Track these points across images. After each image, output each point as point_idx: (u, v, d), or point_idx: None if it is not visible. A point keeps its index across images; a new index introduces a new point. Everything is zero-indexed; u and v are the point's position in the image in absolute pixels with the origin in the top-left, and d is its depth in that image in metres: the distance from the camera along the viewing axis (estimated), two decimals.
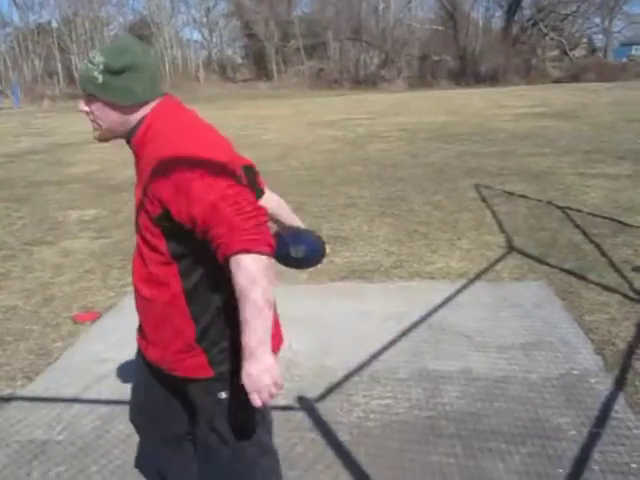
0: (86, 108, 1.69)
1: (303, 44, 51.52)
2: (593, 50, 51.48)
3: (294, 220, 2.18)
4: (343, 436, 2.81)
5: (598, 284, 4.47)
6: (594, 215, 6.32)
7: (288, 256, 2.05)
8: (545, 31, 46.53)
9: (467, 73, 42.81)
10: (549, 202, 6.98)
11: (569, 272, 4.74)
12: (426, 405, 3.03)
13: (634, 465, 2.49)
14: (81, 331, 4.18)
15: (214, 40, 59.69)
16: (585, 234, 5.67)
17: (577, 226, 5.95)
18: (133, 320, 1.93)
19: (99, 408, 3.17)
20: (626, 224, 5.94)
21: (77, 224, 7.16)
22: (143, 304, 1.79)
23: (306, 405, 3.08)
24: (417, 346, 3.66)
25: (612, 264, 4.86)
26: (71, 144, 15.64)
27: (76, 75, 52.94)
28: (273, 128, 17.56)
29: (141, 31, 54.14)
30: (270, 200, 2.09)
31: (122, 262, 5.49)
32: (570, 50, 46.57)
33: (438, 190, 8.00)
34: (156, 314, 1.76)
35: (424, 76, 44.73)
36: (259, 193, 1.99)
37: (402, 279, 4.86)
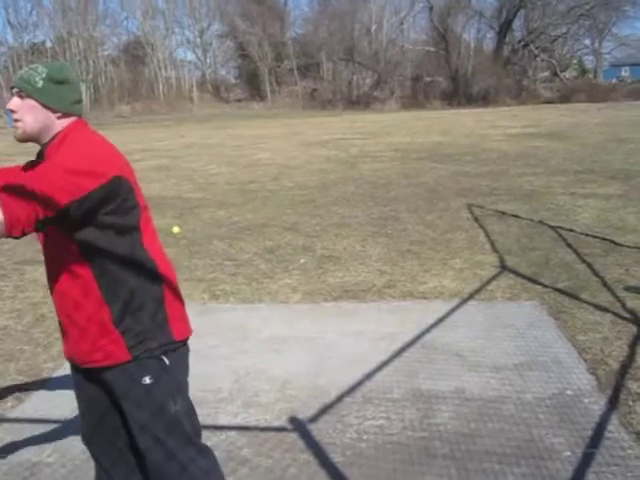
0: (14, 107, 1.81)
1: (296, 65, 51.93)
2: (583, 71, 52.10)
3: None
4: (336, 457, 2.79)
5: (590, 304, 4.48)
6: (586, 235, 6.36)
7: None
8: (536, 52, 47.05)
9: (459, 94, 43.20)
10: (541, 222, 7.01)
11: (562, 292, 4.75)
12: (419, 426, 3.01)
13: None
14: None
15: (208, 60, 60.04)
16: (577, 254, 5.69)
17: (569, 246, 5.97)
18: None
19: None
20: (617, 244, 5.97)
21: None
22: (59, 301, 1.90)
23: (299, 426, 3.06)
24: (410, 366, 3.65)
25: (604, 284, 4.88)
26: None
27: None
28: (267, 148, 17.62)
29: (135, 51, 54.51)
30: None
31: None
32: (561, 71, 47.06)
33: (431, 210, 8.03)
34: (71, 305, 1.86)
35: (416, 96, 45.11)
36: None
37: (395, 299, 4.86)
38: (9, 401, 3.52)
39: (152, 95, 53.76)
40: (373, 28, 50.87)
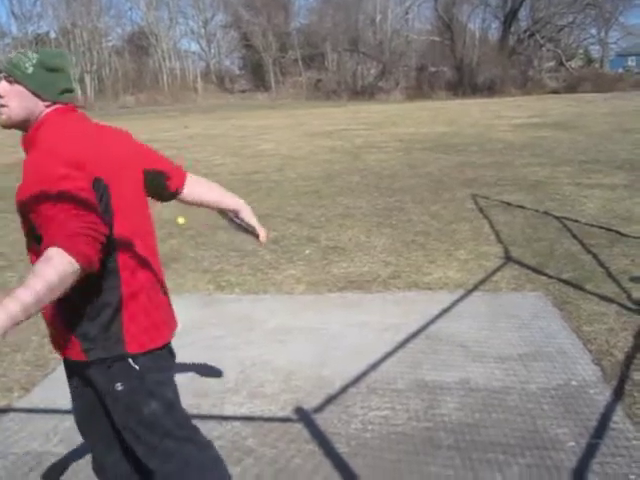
0: (1, 91, 1.75)
1: (301, 55, 51.78)
2: (589, 61, 51.81)
3: (228, 198, 2.23)
4: (341, 447, 2.80)
5: (596, 294, 4.47)
6: (591, 225, 6.34)
7: None
8: (541, 42, 46.78)
9: (464, 84, 43.00)
10: (546, 212, 6.99)
11: (567, 282, 4.74)
12: (424, 416, 3.02)
13: (633, 476, 2.48)
14: None
15: (212, 51, 59.94)
16: (582, 244, 5.68)
17: (574, 236, 5.96)
18: None
19: None
20: (623, 234, 5.95)
21: None
22: None
23: (304, 416, 3.07)
24: (415, 357, 3.66)
25: (610, 274, 4.87)
26: None
27: (75, 86, 53.12)
28: (271, 139, 17.60)
29: (139, 42, 54.41)
30: (197, 186, 2.18)
31: None
32: (567, 61, 46.80)
33: (436, 200, 8.02)
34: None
35: (421, 87, 44.89)
36: (170, 196, 2.13)
37: (400, 290, 4.86)
38: (16, 391, 3.55)
39: (156, 86, 53.70)
40: (378, 18, 50.61)
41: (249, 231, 2.20)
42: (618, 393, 3.13)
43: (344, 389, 3.32)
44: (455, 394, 3.21)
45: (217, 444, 2.86)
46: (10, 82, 1.75)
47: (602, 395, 3.11)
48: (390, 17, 50.99)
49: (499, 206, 7.47)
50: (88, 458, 2.75)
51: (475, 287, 4.79)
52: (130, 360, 1.83)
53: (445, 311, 4.31)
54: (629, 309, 4.19)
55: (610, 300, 4.35)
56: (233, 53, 61.50)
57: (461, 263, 5.39)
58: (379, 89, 46.06)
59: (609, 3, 45.63)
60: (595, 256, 5.32)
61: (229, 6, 55.82)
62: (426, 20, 53.40)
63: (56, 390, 3.49)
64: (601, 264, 5.11)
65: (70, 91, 1.86)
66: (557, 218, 6.70)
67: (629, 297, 4.39)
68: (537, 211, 7.09)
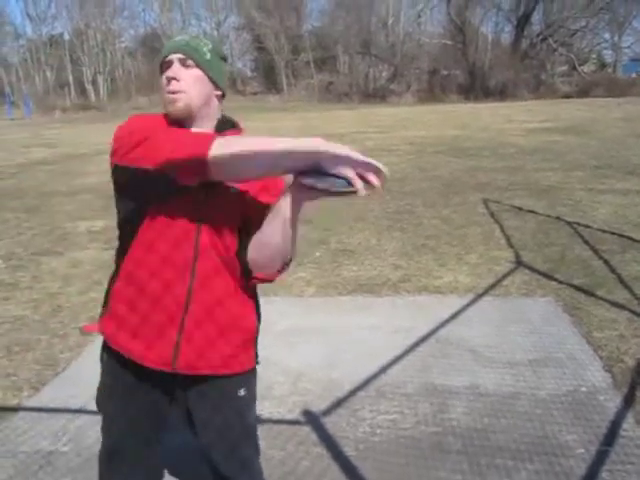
0: (178, 75, 1.59)
1: (313, 57, 51.79)
2: (602, 65, 51.49)
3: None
4: (349, 451, 2.80)
5: (607, 300, 4.45)
6: (603, 231, 6.30)
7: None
8: (554, 46, 46.56)
9: (476, 87, 42.86)
10: (558, 217, 6.96)
11: (577, 288, 4.72)
12: (433, 421, 3.01)
13: None
14: (89, 342, 4.19)
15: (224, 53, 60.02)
16: (594, 250, 5.65)
17: (586, 242, 5.93)
18: None
19: None
20: (635, 240, 5.91)
21: (86, 235, 7.20)
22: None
23: (312, 419, 3.07)
24: (424, 361, 3.65)
25: (621, 280, 4.84)
26: (82, 155, 15.74)
27: (88, 87, 53.42)
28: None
29: (152, 43, 54.62)
30: None
31: None
32: (579, 65, 46.54)
33: (447, 204, 8.00)
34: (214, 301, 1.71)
35: (433, 90, 44.79)
36: None
37: (410, 293, 4.86)
38: (26, 390, 3.57)
39: None
40: (390, 21, 50.57)
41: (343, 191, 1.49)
42: (629, 400, 3.11)
43: (353, 392, 3.32)
44: (464, 399, 3.20)
45: None
46: (187, 66, 1.60)
47: (612, 402, 3.10)
48: (402, 20, 50.94)
49: (510, 211, 7.44)
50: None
51: (485, 291, 4.77)
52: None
53: (455, 315, 4.30)
54: None
55: (621, 306, 4.32)
56: (245, 55, 61.64)
57: (471, 267, 5.37)
58: (391, 92, 46.01)
59: (623, 7, 45.36)
60: (607, 262, 5.29)
61: (242, 8, 55.94)
62: (438, 23, 53.32)
63: (66, 389, 3.51)
64: (613, 270, 5.08)
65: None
66: (569, 223, 6.66)
67: None
68: (549, 216, 7.06)
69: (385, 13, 50.73)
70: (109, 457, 1.89)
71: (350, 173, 1.45)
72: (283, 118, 28.57)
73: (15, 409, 3.36)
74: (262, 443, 2.85)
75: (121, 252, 1.74)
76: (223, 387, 1.77)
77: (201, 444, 1.83)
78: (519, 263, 5.40)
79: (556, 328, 4.02)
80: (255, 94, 52.68)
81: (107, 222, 7.77)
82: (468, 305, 4.50)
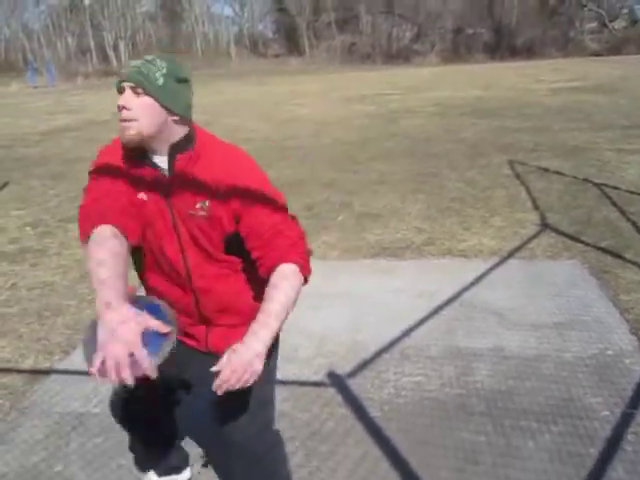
0: (128, 104, 1.60)
1: (335, 18, 51.02)
2: (633, 21, 49.91)
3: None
4: (374, 412, 2.83)
5: (634, 263, 4.39)
6: (631, 192, 6.19)
7: None
8: (583, 2, 45.25)
9: (502, 46, 41.99)
10: (585, 179, 6.85)
11: (604, 250, 4.66)
12: (457, 383, 3.03)
13: None
14: None
15: (245, 15, 59.48)
16: (622, 212, 5.56)
17: (614, 203, 5.83)
18: None
19: None
20: None
21: None
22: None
23: (337, 381, 3.11)
24: (449, 324, 3.65)
25: None
26: (104, 122, 15.79)
27: (109, 52, 53.33)
28: (305, 104, 17.49)
29: (173, 7, 54.21)
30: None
31: None
32: (609, 22, 45.24)
33: (471, 166, 7.91)
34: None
35: (458, 50, 43.99)
36: None
37: (434, 256, 4.84)
38: (57, 354, 3.65)
39: (190, 51, 53.61)
40: None
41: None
42: None
43: (377, 354, 3.34)
44: (488, 361, 3.20)
45: None
46: (137, 93, 1.60)
47: (638, 365, 3.08)
48: None
49: (536, 172, 7.34)
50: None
51: (510, 254, 4.74)
52: None
53: (479, 278, 4.29)
54: None
55: None
56: (266, 17, 60.99)
57: (496, 230, 5.33)
58: (414, 52, 45.29)
59: None
60: (634, 224, 5.21)
61: None
62: None
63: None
64: None
65: (191, 104, 1.74)
66: (596, 185, 6.56)
67: None
68: (576, 177, 6.95)
69: None
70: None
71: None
72: (305, 81, 28.30)
73: (47, 372, 3.45)
74: (287, 405, 2.91)
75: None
76: None
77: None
78: (545, 225, 5.34)
79: (582, 291, 3.99)
80: (277, 56, 52.21)
81: None
82: (493, 268, 4.48)
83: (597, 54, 37.97)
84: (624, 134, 9.56)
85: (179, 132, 1.69)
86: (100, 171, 1.73)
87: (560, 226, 5.28)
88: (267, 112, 15.92)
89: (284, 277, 1.63)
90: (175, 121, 1.66)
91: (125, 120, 1.61)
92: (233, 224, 1.73)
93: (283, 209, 1.76)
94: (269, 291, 1.62)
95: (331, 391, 3.03)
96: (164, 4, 57.74)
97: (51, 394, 3.20)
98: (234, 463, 2.02)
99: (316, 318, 3.83)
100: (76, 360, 3.55)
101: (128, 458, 2.61)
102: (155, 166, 1.71)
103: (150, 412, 2.12)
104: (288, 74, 35.31)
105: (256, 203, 1.70)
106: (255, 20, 60.31)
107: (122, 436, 2.77)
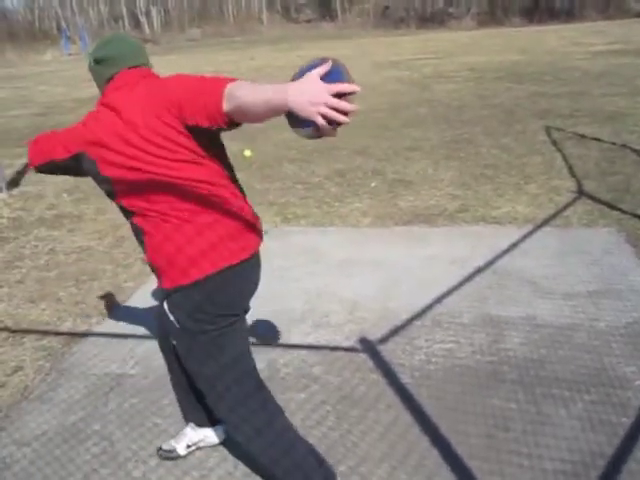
0: None
1: None
2: None
3: None
4: (405, 378, 2.85)
5: None
6: None
7: None
8: None
9: (541, 9, 40.77)
10: (623, 145, 6.69)
11: None
12: (488, 350, 3.02)
13: None
14: (150, 272, 4.32)
15: None
16: None
17: None
18: None
19: None
20: None
21: None
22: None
23: (369, 347, 3.13)
24: (481, 291, 3.64)
25: None
26: None
27: (141, 19, 53.26)
28: None
29: None
30: None
31: None
32: None
33: (507, 132, 7.77)
34: None
35: (494, 13, 42.85)
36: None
37: (467, 224, 4.80)
38: (94, 317, 3.74)
39: (222, 17, 53.29)
40: None
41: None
42: None
43: (409, 321, 3.35)
44: (521, 329, 3.19)
45: (284, 371, 2.97)
46: None
47: None
48: None
49: (573, 138, 7.18)
50: (164, 380, 2.90)
51: (545, 222, 4.67)
52: None
53: (513, 246, 4.25)
54: None
55: None
56: None
57: (531, 197, 5.25)
58: (449, 16, 44.26)
59: None
60: None
61: None
62: None
63: (131, 317, 3.67)
64: None
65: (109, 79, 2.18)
66: (635, 151, 6.39)
67: None
68: (614, 144, 6.78)
69: None
70: None
71: (317, 119, 1.40)
72: (337, 46, 27.95)
73: (85, 335, 3.54)
74: (319, 369, 2.95)
75: None
76: None
77: None
78: (581, 193, 5.24)
79: (618, 259, 3.92)
80: (309, 22, 51.55)
81: None
82: (527, 236, 4.42)
83: None
84: None
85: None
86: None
87: (597, 193, 5.18)
88: None
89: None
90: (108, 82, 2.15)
91: None
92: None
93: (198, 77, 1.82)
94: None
95: (362, 356, 3.06)
96: None
97: (89, 356, 3.29)
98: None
99: (348, 285, 3.85)
100: (113, 323, 3.64)
101: (163, 417, 2.69)
102: None
103: None
104: (320, 39, 34.91)
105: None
106: None
107: (157, 397, 2.85)
